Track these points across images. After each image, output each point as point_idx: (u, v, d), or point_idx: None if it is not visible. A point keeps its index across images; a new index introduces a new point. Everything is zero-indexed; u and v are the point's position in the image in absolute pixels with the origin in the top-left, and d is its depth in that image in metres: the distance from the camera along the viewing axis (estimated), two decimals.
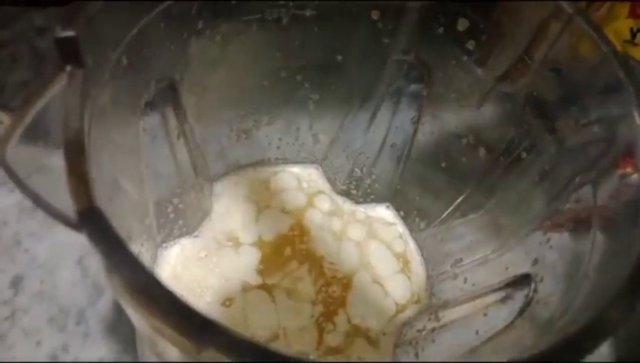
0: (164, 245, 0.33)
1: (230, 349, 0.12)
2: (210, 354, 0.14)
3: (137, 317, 0.15)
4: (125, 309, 0.16)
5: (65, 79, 0.18)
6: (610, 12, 0.44)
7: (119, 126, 0.25)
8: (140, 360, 0.32)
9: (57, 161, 0.17)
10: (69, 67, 0.18)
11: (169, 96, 0.28)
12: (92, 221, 0.14)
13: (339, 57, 0.32)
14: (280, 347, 0.32)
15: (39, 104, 0.18)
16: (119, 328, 0.34)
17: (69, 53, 0.18)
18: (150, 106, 0.27)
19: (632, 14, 0.43)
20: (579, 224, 0.25)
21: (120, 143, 0.25)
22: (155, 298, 0.13)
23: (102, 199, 0.18)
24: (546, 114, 0.27)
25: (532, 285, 0.26)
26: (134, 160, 0.27)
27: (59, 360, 0.32)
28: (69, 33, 0.18)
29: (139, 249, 0.29)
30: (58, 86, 0.18)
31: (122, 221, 0.25)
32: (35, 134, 0.18)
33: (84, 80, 0.19)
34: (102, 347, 0.33)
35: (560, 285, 0.23)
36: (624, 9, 0.42)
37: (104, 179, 0.22)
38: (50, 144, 0.18)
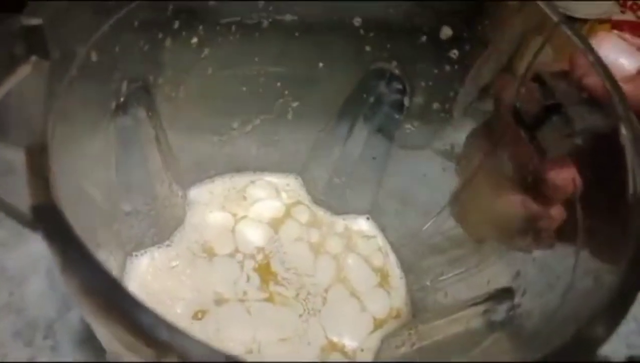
0: (134, 254, 0.32)
1: (193, 355, 0.11)
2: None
3: (95, 322, 0.14)
4: (83, 313, 0.15)
5: (29, 69, 0.17)
6: (591, 29, 0.44)
7: (87, 126, 0.24)
8: None
9: (17, 156, 0.16)
10: (34, 58, 0.18)
11: (142, 98, 0.27)
12: (47, 217, 0.13)
13: (320, 65, 0.31)
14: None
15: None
16: (89, 342, 0.32)
17: (35, 43, 0.18)
18: (122, 108, 0.26)
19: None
20: (563, 238, 0.24)
21: (89, 145, 0.24)
22: (112, 301, 0.12)
23: (65, 202, 0.17)
24: (529, 125, 0.27)
25: (514, 299, 0.25)
26: (102, 164, 0.26)
27: None
28: (35, 21, 0.17)
29: (107, 257, 0.28)
30: (21, 75, 0.17)
31: (88, 228, 0.24)
32: None
33: (50, 73, 0.18)
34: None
35: (544, 297, 0.23)
36: (605, 25, 0.43)
37: (68, 181, 0.21)
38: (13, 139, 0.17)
